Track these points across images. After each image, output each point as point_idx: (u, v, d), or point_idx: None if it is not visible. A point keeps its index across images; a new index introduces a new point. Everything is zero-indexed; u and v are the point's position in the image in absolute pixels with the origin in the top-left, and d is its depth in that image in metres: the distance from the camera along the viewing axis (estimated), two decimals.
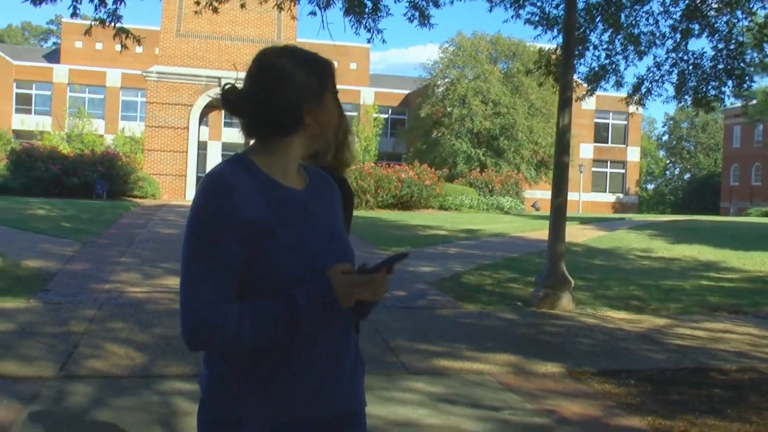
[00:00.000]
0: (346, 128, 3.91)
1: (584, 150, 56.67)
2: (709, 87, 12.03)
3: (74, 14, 8.20)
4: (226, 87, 2.05)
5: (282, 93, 1.96)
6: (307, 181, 2.09)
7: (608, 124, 58.60)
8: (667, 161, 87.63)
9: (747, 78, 11.90)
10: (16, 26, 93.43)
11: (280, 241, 1.91)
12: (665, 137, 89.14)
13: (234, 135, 51.33)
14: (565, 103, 10.13)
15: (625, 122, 57.43)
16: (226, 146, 52.59)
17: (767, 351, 7.83)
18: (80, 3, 8.31)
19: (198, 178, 33.24)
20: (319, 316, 1.91)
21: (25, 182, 26.46)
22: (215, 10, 9.93)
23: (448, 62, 47.68)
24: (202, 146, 37.49)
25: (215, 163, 53.61)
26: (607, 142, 59.01)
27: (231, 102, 2.03)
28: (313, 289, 1.89)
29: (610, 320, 9.28)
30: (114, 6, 8.55)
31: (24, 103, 54.03)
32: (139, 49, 8.79)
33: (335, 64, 2.15)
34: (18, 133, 51.39)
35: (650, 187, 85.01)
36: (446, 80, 46.81)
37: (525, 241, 17.98)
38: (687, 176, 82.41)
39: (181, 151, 31.93)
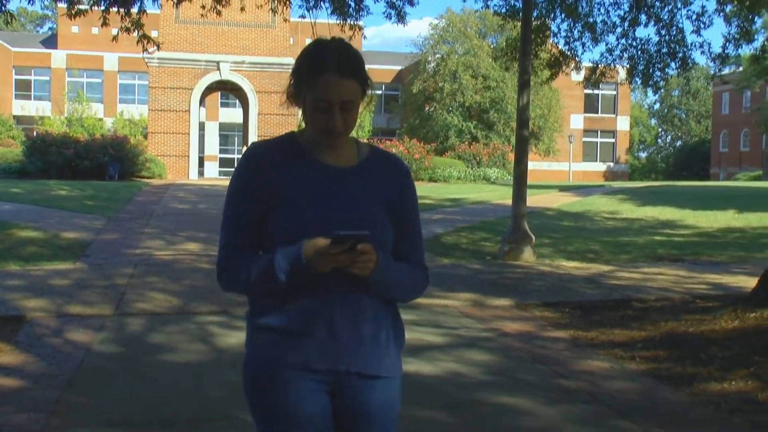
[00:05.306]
0: None
1: (575, 120, 57.92)
2: (656, 69, 13.74)
3: (105, 24, 9.73)
4: None
5: None
6: (360, 161, 2.26)
7: (598, 94, 59.60)
8: (659, 129, 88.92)
9: (689, 60, 13.58)
10: (13, 12, 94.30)
11: (287, 204, 2.13)
12: (656, 106, 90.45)
13: (230, 115, 52.58)
14: (524, 85, 11.78)
15: (615, 92, 58.59)
16: (223, 126, 53.82)
17: (685, 287, 9.54)
18: (108, 13, 9.89)
19: (199, 158, 34.84)
20: (293, 274, 2.06)
21: (41, 166, 28.10)
22: (219, 13, 11.51)
23: (438, 38, 48.80)
24: (200, 127, 38.95)
25: (213, 143, 54.59)
26: (598, 112, 60.18)
27: None
28: (291, 251, 2.05)
29: (562, 268, 11.00)
30: (138, 16, 10.15)
31: (23, 89, 54.98)
32: (135, 33, 9.92)
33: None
34: (18, 119, 52.51)
35: (643, 155, 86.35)
36: (437, 56, 47.92)
37: (503, 207, 19.51)
38: (678, 143, 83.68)
39: (183, 133, 33.52)
